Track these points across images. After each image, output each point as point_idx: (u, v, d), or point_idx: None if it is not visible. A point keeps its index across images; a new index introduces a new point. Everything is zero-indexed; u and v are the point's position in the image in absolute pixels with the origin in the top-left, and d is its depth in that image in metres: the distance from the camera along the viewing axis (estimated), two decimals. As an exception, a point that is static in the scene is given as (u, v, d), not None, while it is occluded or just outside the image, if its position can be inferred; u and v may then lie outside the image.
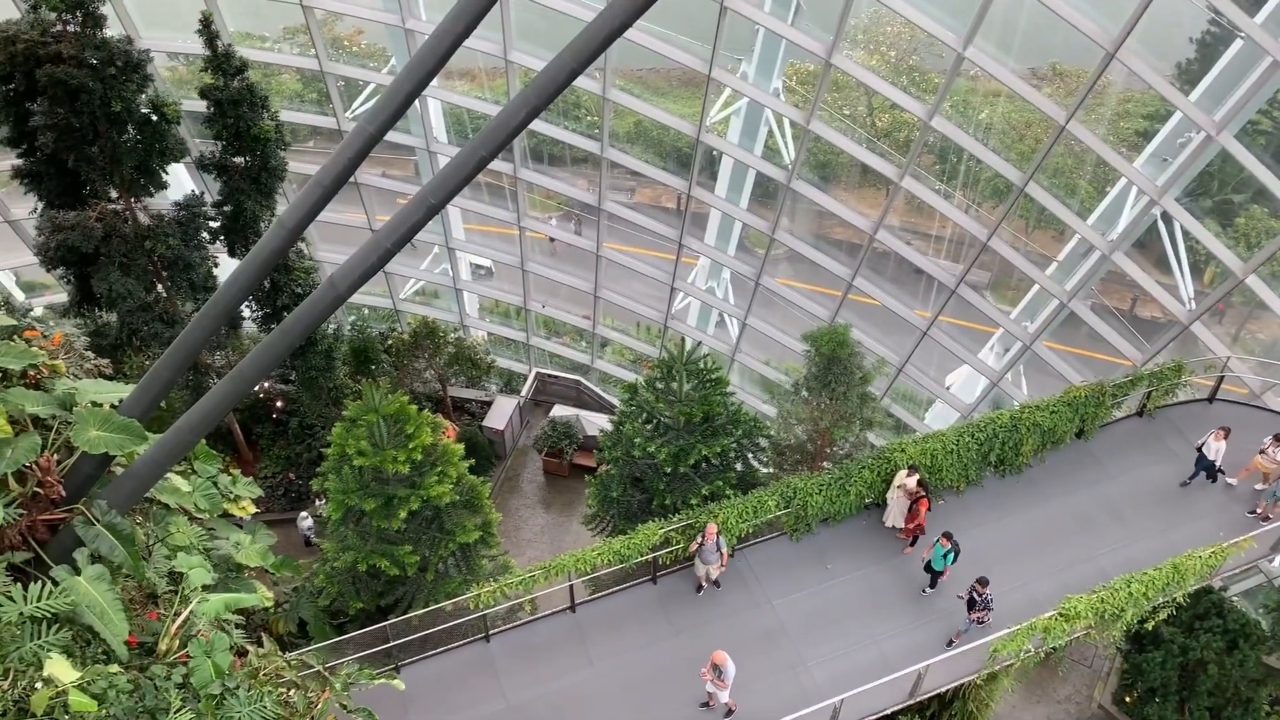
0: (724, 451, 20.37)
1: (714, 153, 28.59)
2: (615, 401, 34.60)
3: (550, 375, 37.73)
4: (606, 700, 17.51)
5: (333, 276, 9.31)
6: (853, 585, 19.09)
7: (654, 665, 17.90)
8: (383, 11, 27.75)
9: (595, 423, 33.51)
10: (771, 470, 22.44)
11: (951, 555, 18.06)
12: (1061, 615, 17.11)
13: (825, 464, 21.64)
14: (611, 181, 31.05)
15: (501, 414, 34.38)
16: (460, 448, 20.12)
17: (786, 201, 27.69)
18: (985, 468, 20.68)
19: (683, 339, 22.59)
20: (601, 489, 21.56)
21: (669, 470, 19.96)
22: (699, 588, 19.06)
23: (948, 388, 30.55)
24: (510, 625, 18.85)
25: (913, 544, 19.58)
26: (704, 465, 20.47)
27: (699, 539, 18.17)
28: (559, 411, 34.93)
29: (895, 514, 19.72)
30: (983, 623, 17.68)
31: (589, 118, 30.11)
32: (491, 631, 18.52)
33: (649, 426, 20.43)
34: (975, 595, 17.35)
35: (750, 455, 21.40)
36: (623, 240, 32.99)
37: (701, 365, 20.15)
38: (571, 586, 18.66)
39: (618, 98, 27.30)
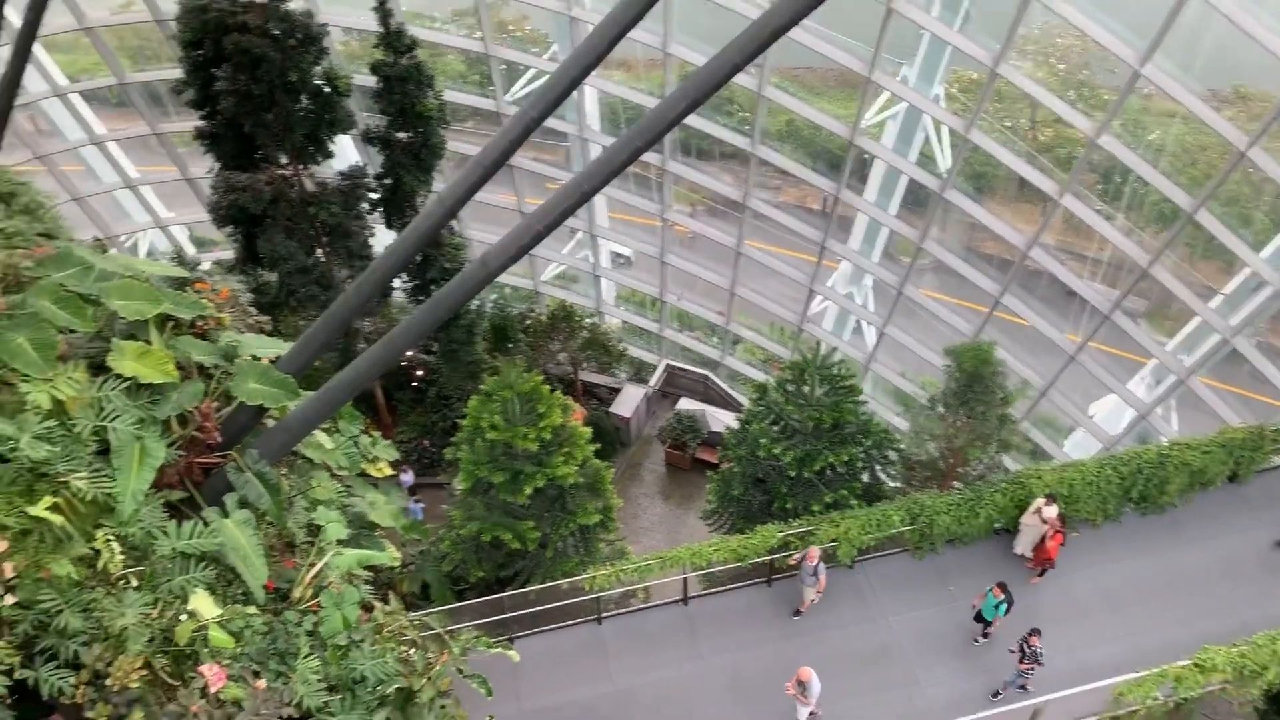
0: (851, 460, 20.05)
1: (866, 156, 28.09)
2: (743, 400, 34.47)
3: (680, 368, 37.84)
4: (712, 696, 17.52)
5: (485, 255, 9.56)
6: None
7: (761, 667, 17.79)
8: (549, -2, 28.29)
9: (721, 419, 33.46)
10: (899, 484, 21.96)
11: (1004, 607, 17.24)
12: (1196, 666, 16.22)
13: (956, 483, 21.05)
14: (758, 179, 30.88)
15: (629, 402, 34.68)
16: (588, 431, 20.42)
17: (938, 211, 26.99)
18: (1125, 503, 19.75)
19: (818, 343, 22.32)
20: (723, 486, 21.53)
21: (793, 474, 19.77)
22: (796, 612, 18.73)
23: (1091, 417, 29.26)
24: (623, 610, 19.06)
25: (1040, 575, 18.88)
26: (829, 472, 20.20)
27: (799, 557, 17.94)
28: (685, 405, 35.01)
29: (1026, 542, 19.05)
30: (1024, 678, 16.73)
31: (741, 113, 29.99)
32: (604, 614, 18.76)
33: (776, 428, 20.27)
34: (1025, 647, 16.47)
35: (878, 467, 21.00)
36: (764, 238, 32.77)
37: (835, 371, 19.88)
38: (686, 579, 18.73)
39: (773, 95, 27.11)
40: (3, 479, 8.65)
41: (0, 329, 9.24)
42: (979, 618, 17.74)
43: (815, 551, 17.71)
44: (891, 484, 22.05)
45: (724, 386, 37.30)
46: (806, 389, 19.91)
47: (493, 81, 31.28)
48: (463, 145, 32.17)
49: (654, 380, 37.03)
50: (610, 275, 38.14)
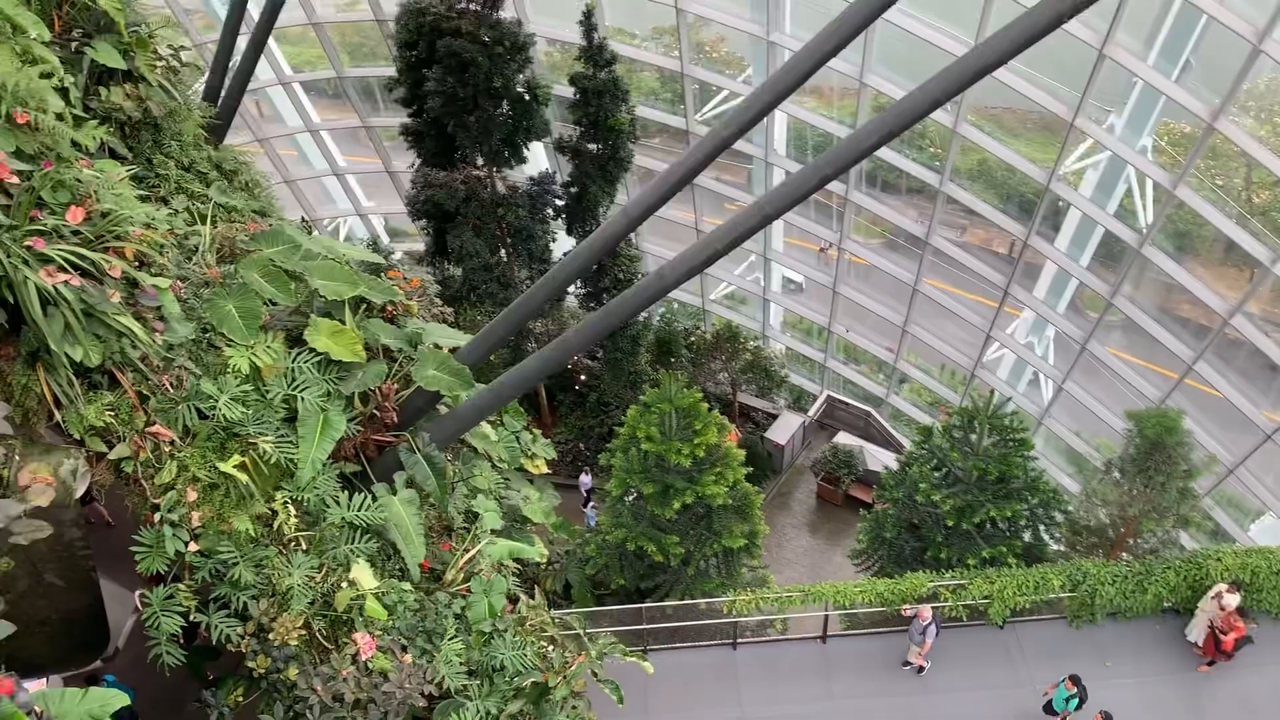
0: (1014, 517, 19.21)
1: (1060, 203, 26.95)
2: (905, 441, 33.58)
3: (841, 401, 37.21)
4: (840, 739, 17.13)
5: (662, 268, 9.71)
6: (1131, 691, 17.40)
7: (894, 718, 17.26)
8: (749, 21, 28.46)
9: (878, 458, 32.69)
10: (1062, 548, 20.88)
11: (1075, 701, 15.96)
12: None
13: (1124, 554, 19.85)
14: (944, 216, 30.10)
15: (785, 429, 34.35)
16: (741, 454, 20.32)
17: (1133, 267, 25.59)
18: (1318, 601, 18.16)
19: (991, 391, 21.52)
20: (875, 527, 21.02)
21: (950, 524, 19.11)
22: (906, 662, 18.04)
23: (1286, 502, 27.08)
24: (758, 639, 18.85)
25: (1210, 664, 17.58)
26: (989, 526, 19.42)
27: (910, 611, 17.28)
28: (843, 439, 34.38)
29: (1199, 629, 17.76)
30: None
31: (932, 149, 29.31)
32: (739, 639, 18.60)
33: (938, 474, 19.65)
34: None
35: (1042, 527, 20.04)
36: (943, 277, 31.88)
37: (1006, 422, 19.10)
38: (827, 617, 18.37)
39: (967, 133, 26.39)
40: (200, 434, 9.35)
41: (213, 295, 10.00)
42: (1048, 709, 16.68)
43: (927, 612, 17.06)
44: (1054, 546, 20.99)
45: (885, 425, 36.45)
46: (974, 437, 19.22)
47: (684, 100, 31.69)
48: (648, 160, 32.71)
49: (813, 410, 36.55)
50: (780, 300, 37.93)
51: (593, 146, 27.15)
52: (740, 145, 32.12)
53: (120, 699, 6.98)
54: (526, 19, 29.85)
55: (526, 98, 24.98)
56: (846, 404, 37.02)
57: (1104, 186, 26.13)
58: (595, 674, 11.31)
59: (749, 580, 20.89)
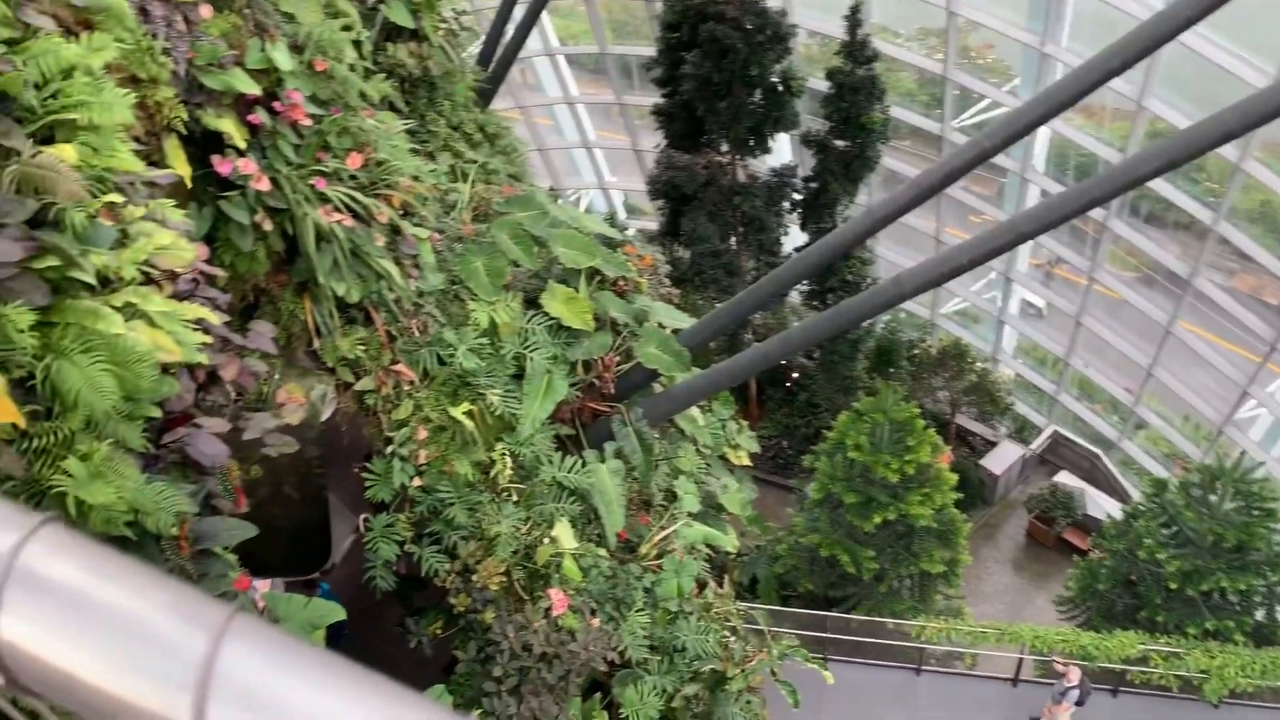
0: (1249, 591, 17.60)
1: (1356, 258, 24.27)
2: (1133, 490, 31.38)
3: (1067, 438, 35.06)
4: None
5: (900, 276, 9.48)
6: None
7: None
8: (1024, 30, 27.13)
9: (1101, 504, 30.65)
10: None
11: None
12: None
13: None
14: (1212, 258, 27.72)
15: (1002, 459, 32.75)
16: (953, 478, 19.62)
17: None
18: None
19: (1241, 452, 19.76)
20: (1087, 576, 19.81)
21: (1173, 586, 17.71)
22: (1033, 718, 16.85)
23: None
24: (945, 669, 18.21)
25: None
26: (1217, 596, 17.87)
27: (1060, 668, 16.05)
28: (1064, 478, 32.42)
29: None
30: None
31: (1208, 183, 27.02)
32: (924, 667, 18.03)
33: (1166, 532, 18.26)
34: None
35: (1279, 607, 18.28)
36: (1201, 322, 29.39)
37: (1254, 488, 17.50)
38: (1021, 659, 17.50)
39: (1254, 170, 24.13)
40: (437, 379, 9.94)
41: (465, 251, 10.58)
42: None
43: (1076, 673, 15.82)
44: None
45: (1113, 470, 34.08)
46: (1214, 498, 17.72)
47: (942, 105, 30.63)
48: (894, 162, 31.87)
49: (1036, 443, 34.65)
50: (1015, 323, 36.13)
51: (840, 143, 26.75)
52: (998, 158, 30.74)
53: (337, 612, 7.55)
54: (791, 9, 29.68)
55: (780, 88, 24.91)
56: (1073, 442, 34.86)
57: None
58: (774, 673, 11.25)
59: (942, 608, 20.19)
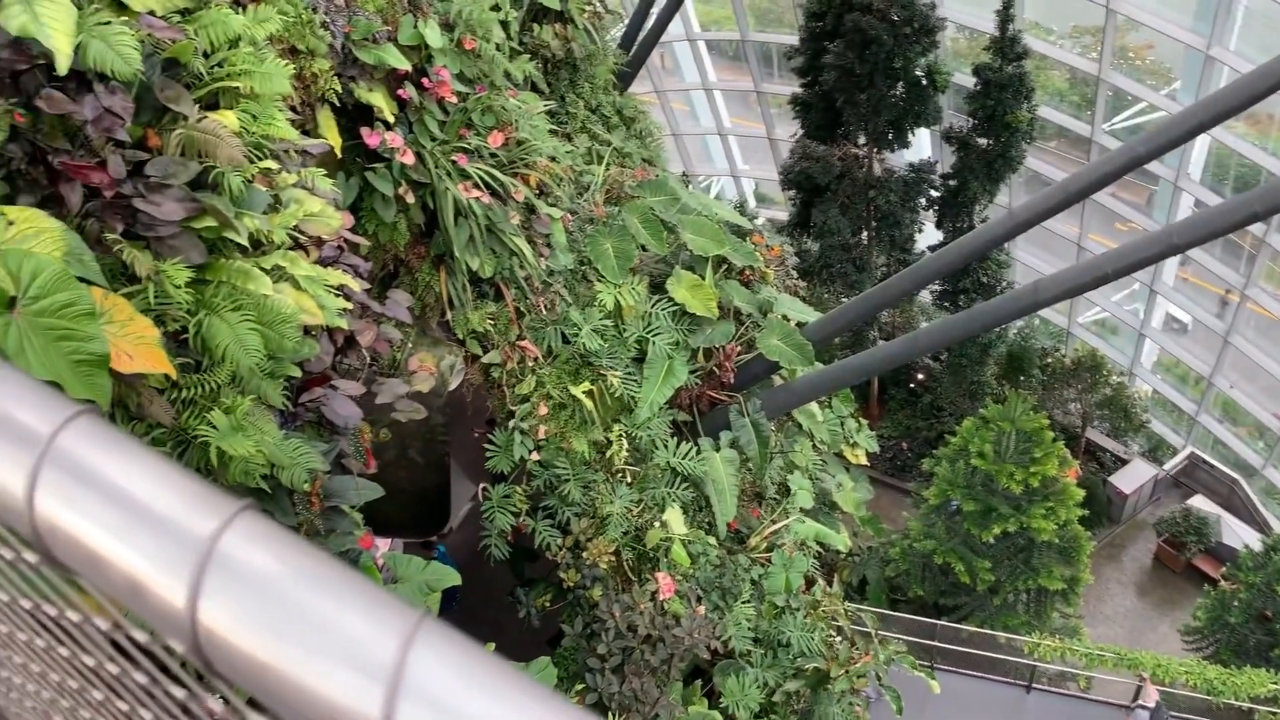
0: (1399, 640, 16.48)
1: None
2: (1274, 521, 29.66)
3: (1205, 461, 33.28)
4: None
5: (1040, 282, 9.15)
6: None
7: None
8: (1188, 31, 25.72)
9: (1237, 532, 29.02)
10: None
11: None
12: None
13: None
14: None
15: (1133, 478, 31.33)
16: (1079, 494, 18.88)
17: None
18: None
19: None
20: (1218, 607, 18.84)
21: (1314, 627, 16.73)
22: None
23: None
24: (1057, 690, 17.59)
25: None
26: (1363, 642, 16.79)
27: (1146, 682, 15.16)
28: (1199, 503, 30.81)
29: None
30: None
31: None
32: (1035, 685, 17.46)
33: (1310, 568, 17.23)
34: None
35: None
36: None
37: None
38: (1140, 687, 16.76)
39: None
40: (560, 357, 10.10)
41: (595, 233, 10.69)
42: None
43: (1154, 692, 14.93)
44: None
45: (1254, 498, 32.20)
46: (1366, 538, 16.61)
47: (1094, 106, 29.33)
48: (1038, 164, 30.70)
49: (1171, 464, 33.02)
50: (1158, 338, 34.44)
51: (983, 141, 25.90)
52: (1151, 164, 29.32)
53: (453, 577, 7.76)
54: (941, 2, 28.88)
55: (924, 82, 24.27)
56: (1212, 466, 33.09)
57: None
58: (879, 677, 11.09)
59: (1058, 627, 19.50)
